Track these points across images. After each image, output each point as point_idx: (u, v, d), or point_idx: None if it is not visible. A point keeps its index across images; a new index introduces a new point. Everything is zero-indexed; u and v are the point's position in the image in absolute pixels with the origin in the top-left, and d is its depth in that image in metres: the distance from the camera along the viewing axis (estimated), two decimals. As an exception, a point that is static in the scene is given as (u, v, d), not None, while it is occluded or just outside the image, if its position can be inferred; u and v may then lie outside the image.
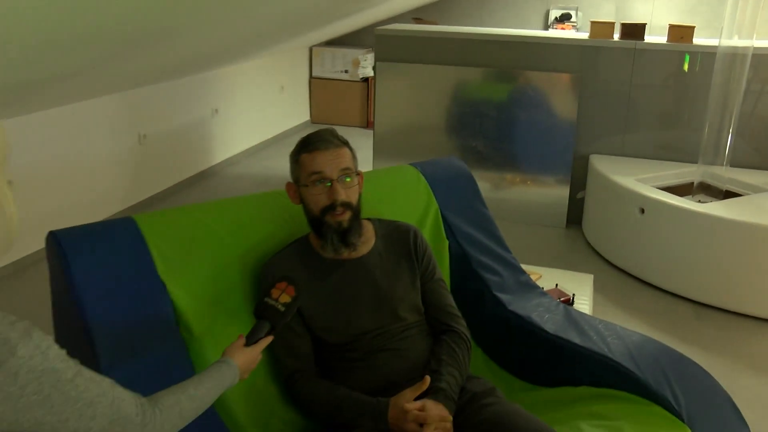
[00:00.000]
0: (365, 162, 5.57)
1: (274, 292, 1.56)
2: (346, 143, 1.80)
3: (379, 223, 1.94)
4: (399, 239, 1.90)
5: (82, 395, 1.00)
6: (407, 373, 1.74)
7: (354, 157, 1.81)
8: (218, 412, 1.68)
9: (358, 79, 6.78)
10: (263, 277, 1.82)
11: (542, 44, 4.20)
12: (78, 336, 1.68)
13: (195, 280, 1.81)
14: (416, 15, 6.59)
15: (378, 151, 4.62)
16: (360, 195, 1.82)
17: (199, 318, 1.77)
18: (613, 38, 4.18)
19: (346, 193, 1.74)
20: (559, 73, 4.16)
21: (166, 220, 1.86)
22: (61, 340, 1.88)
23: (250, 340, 1.50)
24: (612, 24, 4.21)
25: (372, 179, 2.28)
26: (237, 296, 1.85)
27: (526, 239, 4.17)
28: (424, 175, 2.31)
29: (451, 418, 1.57)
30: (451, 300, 1.91)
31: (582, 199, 4.26)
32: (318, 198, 1.75)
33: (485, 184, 4.45)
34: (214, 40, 3.99)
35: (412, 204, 2.24)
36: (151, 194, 4.63)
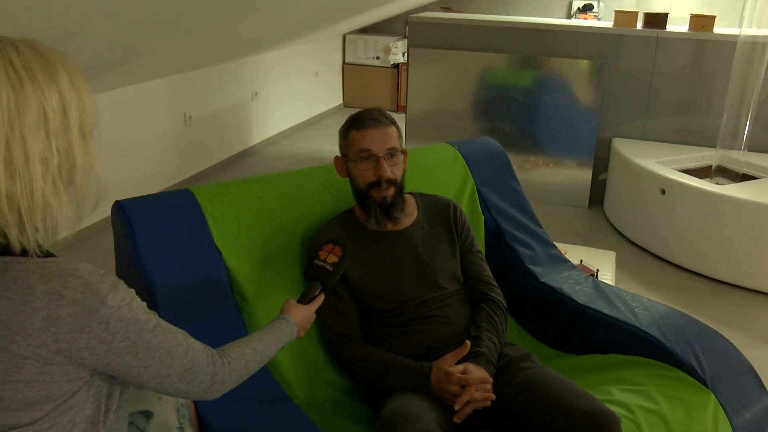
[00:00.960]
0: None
1: (322, 254, 1.58)
2: (393, 122, 1.80)
3: (421, 197, 1.95)
4: (439, 212, 1.90)
5: (161, 344, 1.03)
6: (447, 339, 1.75)
7: (400, 136, 1.81)
8: (272, 373, 1.71)
9: (389, 65, 6.75)
10: (310, 246, 1.84)
11: (567, 32, 4.14)
12: (141, 298, 1.70)
13: (247, 248, 1.82)
14: (445, 4, 6.52)
15: (410, 133, 4.60)
16: (404, 171, 1.82)
17: (252, 284, 1.79)
18: (636, 27, 4.11)
19: (392, 170, 1.75)
20: (582, 60, 4.11)
21: (221, 192, 1.88)
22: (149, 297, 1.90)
23: (304, 299, 1.51)
24: (635, 13, 4.14)
25: (412, 156, 2.27)
26: (286, 264, 1.87)
27: (550, 218, 4.14)
28: (461, 152, 2.30)
29: (491, 380, 1.57)
30: (488, 270, 1.91)
31: (604, 181, 4.22)
32: (365, 173, 1.75)
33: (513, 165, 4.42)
34: (254, 27, 4.00)
35: (450, 180, 2.24)
36: (196, 172, 4.67)
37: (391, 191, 1.76)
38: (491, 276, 1.90)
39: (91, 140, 1.00)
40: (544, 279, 2.09)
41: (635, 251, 3.70)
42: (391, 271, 1.79)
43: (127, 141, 3.96)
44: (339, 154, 1.85)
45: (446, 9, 6.32)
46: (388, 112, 1.83)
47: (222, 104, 4.90)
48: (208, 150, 4.82)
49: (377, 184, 1.74)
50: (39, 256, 0.95)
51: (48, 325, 0.90)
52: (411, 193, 1.95)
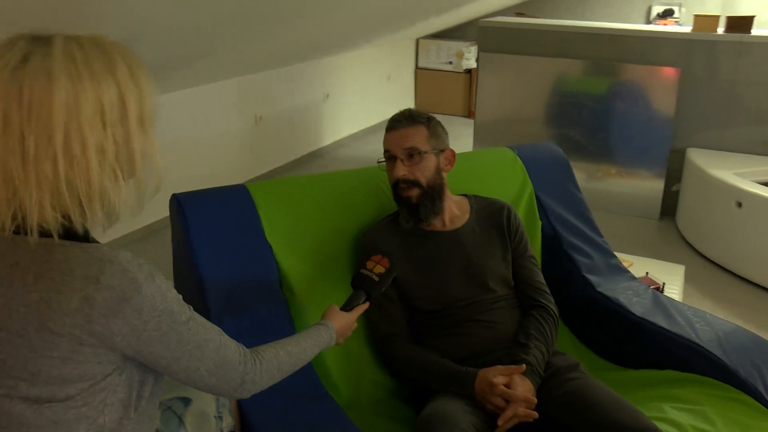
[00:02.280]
0: (466, 149, 5.50)
1: (369, 264, 1.56)
2: (422, 122, 1.77)
3: (475, 199, 1.91)
4: (493, 215, 1.86)
5: (193, 338, 1.04)
6: (493, 344, 1.70)
7: (433, 135, 1.77)
8: (316, 371, 1.71)
9: (462, 71, 6.69)
10: (361, 246, 1.83)
11: (644, 38, 3.98)
12: (193, 289, 1.74)
13: (298, 245, 1.83)
14: (519, 10, 6.41)
15: (478, 139, 4.54)
16: (438, 172, 1.77)
17: (301, 280, 1.79)
18: (717, 32, 3.91)
19: (410, 171, 1.72)
20: (659, 67, 3.93)
21: (275, 189, 1.89)
22: (178, 290, 1.95)
23: (347, 307, 1.50)
24: (716, 17, 3.93)
25: (471, 159, 2.24)
26: (335, 262, 1.86)
27: (618, 228, 3.99)
28: (520, 157, 2.25)
29: (535, 399, 1.52)
30: (540, 277, 1.85)
31: (677, 192, 4.03)
32: (389, 173, 1.78)
33: (581, 174, 4.29)
34: (327, 29, 4.04)
35: (508, 184, 2.18)
36: (265, 171, 4.76)
37: (414, 192, 1.73)
38: (544, 282, 1.84)
39: (151, 130, 1.03)
40: (600, 289, 2.00)
41: (707, 266, 3.51)
42: (440, 271, 1.76)
43: (199, 139, 4.08)
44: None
45: (520, 14, 6.21)
46: (423, 112, 1.80)
47: (293, 105, 4.98)
48: (278, 150, 4.90)
49: (397, 183, 1.75)
50: (92, 242, 0.98)
51: (84, 306, 0.92)
52: (466, 195, 1.92)
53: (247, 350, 1.15)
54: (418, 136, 1.74)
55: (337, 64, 5.49)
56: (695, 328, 1.80)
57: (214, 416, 1.38)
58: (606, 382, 1.82)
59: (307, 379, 1.62)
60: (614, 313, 1.94)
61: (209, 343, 1.07)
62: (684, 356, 1.75)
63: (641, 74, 3.98)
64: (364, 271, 1.55)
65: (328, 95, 5.41)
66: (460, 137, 5.87)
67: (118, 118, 0.96)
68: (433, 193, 1.76)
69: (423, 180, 1.73)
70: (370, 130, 6.17)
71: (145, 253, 3.44)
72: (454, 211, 1.84)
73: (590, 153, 4.25)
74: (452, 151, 1.83)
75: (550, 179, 2.24)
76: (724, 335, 1.77)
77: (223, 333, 1.12)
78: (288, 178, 1.96)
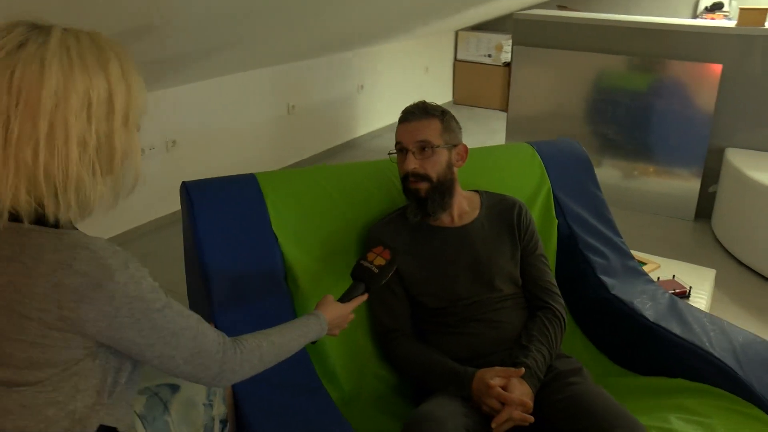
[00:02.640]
0: (490, 143, 5.41)
1: (370, 256, 1.54)
2: (436, 115, 1.72)
3: (487, 195, 1.86)
4: (503, 211, 1.81)
5: (168, 325, 1.03)
6: (496, 344, 1.67)
7: (446, 130, 1.73)
8: (313, 361, 1.70)
9: (501, 64, 6.58)
10: (367, 239, 1.81)
11: (685, 33, 3.83)
12: (198, 275, 1.75)
13: (305, 237, 1.82)
14: (561, 3, 6.26)
15: (511, 134, 4.46)
16: (449, 167, 1.73)
17: (306, 272, 1.78)
18: (764, 26, 3.73)
19: (421, 164, 1.69)
20: (702, 63, 3.78)
21: (284, 179, 1.88)
22: (189, 278, 1.97)
23: (345, 298, 1.48)
24: (764, 10, 3.75)
25: (488, 154, 2.19)
26: (343, 254, 1.84)
27: (651, 229, 3.87)
28: (539, 153, 2.19)
29: (530, 403, 1.47)
30: (550, 276, 1.79)
31: (713, 193, 3.89)
32: (399, 165, 1.74)
33: (616, 172, 4.18)
34: (363, 20, 4.01)
35: (525, 181, 2.13)
36: (297, 160, 4.78)
37: (424, 186, 1.69)
38: (553, 283, 1.78)
39: (135, 130, 1.04)
40: (614, 291, 1.94)
41: (742, 271, 3.37)
42: (446, 267, 1.73)
43: (230, 126, 4.11)
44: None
45: (562, 7, 6.07)
46: (438, 106, 1.76)
47: (326, 95, 4.98)
48: (310, 140, 4.91)
49: (407, 176, 1.71)
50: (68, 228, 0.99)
51: (54, 291, 0.93)
52: (477, 191, 1.88)
53: (227, 339, 1.14)
54: (431, 130, 1.70)
55: (373, 55, 5.46)
56: (709, 336, 1.72)
57: (204, 404, 1.38)
58: (615, 387, 1.77)
59: (302, 371, 1.61)
60: (627, 317, 1.87)
61: (186, 331, 1.06)
62: (696, 365, 1.68)
63: (683, 71, 3.83)
64: (364, 263, 1.53)
65: (362, 86, 5.39)
66: (497, 131, 5.78)
67: (104, 113, 0.97)
68: (443, 188, 1.72)
69: (433, 174, 1.69)
70: (406, 122, 6.11)
71: (174, 238, 3.50)
72: (464, 207, 1.80)
73: (626, 151, 4.13)
74: (465, 147, 1.79)
75: (569, 177, 2.18)
76: (740, 345, 1.69)
77: (203, 321, 1.11)
78: (298, 169, 1.95)
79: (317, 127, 4.97)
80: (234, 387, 1.53)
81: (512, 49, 4.28)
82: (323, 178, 1.92)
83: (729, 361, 1.63)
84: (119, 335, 0.99)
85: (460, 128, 1.80)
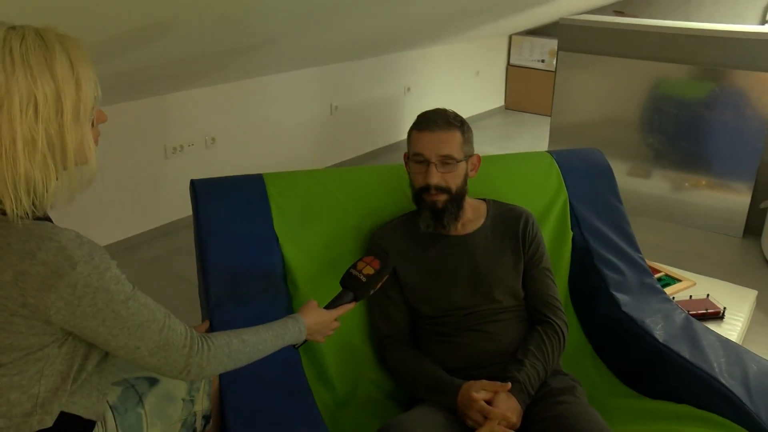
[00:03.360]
0: (533, 149, 5.29)
1: (360, 264, 1.53)
2: (457, 125, 1.66)
3: (494, 204, 1.82)
4: (509, 221, 1.76)
5: (132, 317, 1.05)
6: (493, 357, 1.62)
7: (466, 141, 1.68)
8: (306, 363, 1.69)
9: (553, 69, 6.43)
10: (369, 245, 1.79)
11: (748, 41, 3.63)
12: (200, 273, 1.77)
13: (308, 239, 1.82)
14: (618, 9, 6.07)
15: (553, 142, 4.35)
16: (465, 178, 1.69)
17: (306, 275, 1.78)
18: (829, 37, 3.51)
19: (443, 178, 1.63)
20: (764, 73, 3.58)
21: (291, 181, 1.88)
22: (198, 272, 1.98)
23: (330, 305, 1.48)
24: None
25: (505, 162, 2.14)
26: (347, 259, 1.81)
27: (694, 245, 3.70)
28: (558, 162, 2.12)
29: (513, 419, 1.42)
30: (553, 290, 1.73)
31: (765, 210, 3.68)
32: (417, 177, 1.67)
33: (664, 183, 4.01)
34: (410, 21, 3.98)
35: (542, 191, 2.07)
36: (338, 161, 4.79)
37: (442, 198, 1.65)
38: (556, 297, 1.72)
39: (87, 123, 1.05)
40: (626, 309, 1.85)
41: (789, 294, 3.17)
42: (445, 276, 1.69)
43: (272, 126, 4.16)
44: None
45: (619, 13, 5.88)
46: (456, 114, 1.71)
47: (371, 97, 4.97)
48: (352, 141, 4.92)
49: (426, 188, 1.65)
50: (34, 219, 1.01)
51: (17, 280, 0.96)
52: (484, 200, 1.83)
53: (196, 335, 1.15)
54: (454, 143, 1.64)
55: (421, 57, 5.42)
56: (720, 363, 1.62)
57: (183, 399, 1.38)
58: (619, 408, 1.70)
59: (290, 372, 1.61)
60: (637, 336, 1.79)
61: (152, 324, 1.08)
62: (703, 392, 1.59)
63: (743, 80, 3.64)
64: (353, 271, 1.52)
65: (409, 89, 5.36)
66: (542, 138, 5.65)
67: (52, 112, 0.98)
68: (459, 200, 1.68)
69: (453, 187, 1.65)
70: (454, 126, 6.05)
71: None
72: (468, 216, 1.76)
73: (676, 162, 3.96)
74: (478, 157, 1.75)
75: (589, 188, 2.10)
76: (754, 375, 1.59)
77: (171, 315, 1.13)
78: (306, 171, 1.95)
79: (360, 129, 4.97)
80: (221, 383, 1.54)
81: (557, 55, 4.17)
82: (331, 181, 1.92)
83: (737, 390, 1.53)
84: (82, 324, 1.01)
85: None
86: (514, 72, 6.66)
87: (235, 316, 1.67)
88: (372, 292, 1.51)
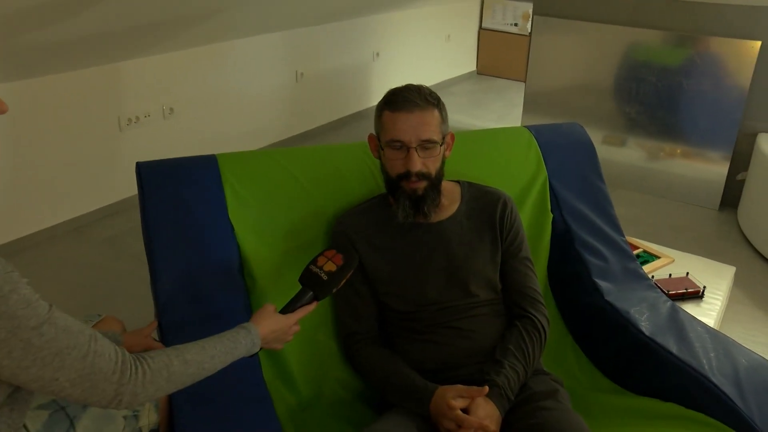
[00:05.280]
0: (514, 119, 5.16)
1: (320, 260, 1.37)
2: (435, 103, 1.50)
3: (469, 187, 1.66)
4: (485, 207, 1.61)
5: (47, 345, 0.89)
6: (469, 356, 1.49)
7: (443, 120, 1.52)
8: (266, 364, 1.55)
9: (527, 34, 6.26)
10: (332, 233, 1.63)
11: (725, 6, 3.50)
12: (149, 265, 1.60)
13: (267, 227, 1.66)
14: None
15: (528, 109, 4.21)
16: (443, 161, 1.54)
17: (265, 266, 1.62)
18: (810, 3, 3.40)
19: (424, 163, 1.47)
20: (740, 40, 3.47)
21: (247, 162, 1.71)
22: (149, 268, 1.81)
23: (289, 307, 1.33)
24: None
25: (480, 139, 1.99)
26: (310, 248, 1.67)
27: (670, 217, 3.63)
28: (537, 139, 1.97)
29: (492, 428, 1.29)
30: (533, 282, 1.60)
31: (742, 181, 3.61)
32: (394, 163, 1.49)
33: (640, 152, 3.91)
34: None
35: (519, 170, 1.93)
36: (305, 130, 4.60)
37: (423, 184, 1.49)
38: (536, 289, 1.59)
39: None
40: (609, 297, 1.74)
41: (766, 268, 3.12)
42: (416, 268, 1.54)
43: (234, 94, 3.94)
44: (374, 132, 1.61)
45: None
46: (431, 90, 1.54)
47: (339, 63, 4.76)
48: (319, 109, 4.72)
49: (406, 176, 1.48)
50: None
51: None
52: (458, 181, 1.67)
53: (129, 358, 0.99)
54: (433, 124, 1.47)
55: (390, 21, 5.20)
56: (710, 357, 1.52)
57: (125, 416, 1.23)
58: (601, 405, 1.60)
59: (249, 378, 1.46)
60: (620, 328, 1.68)
61: (72, 350, 0.92)
62: (691, 389, 1.49)
63: (719, 47, 3.53)
64: (313, 268, 1.37)
65: (378, 54, 5.15)
66: (516, 105, 5.51)
67: None
68: (438, 183, 1.53)
69: (434, 171, 1.49)
70: (425, 92, 5.87)
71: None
72: (442, 201, 1.60)
73: (649, 131, 3.86)
74: (452, 134, 1.59)
75: (570, 167, 1.97)
76: (745, 371, 1.49)
77: (98, 339, 0.96)
78: (265, 151, 1.78)
79: (327, 96, 4.76)
80: (170, 395, 1.39)
81: (532, 19, 4.01)
82: (293, 162, 1.75)
83: (728, 389, 1.43)
84: None
85: None
86: (486, 36, 6.47)
87: (186, 316, 1.52)
88: (335, 290, 1.36)
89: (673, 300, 2.31)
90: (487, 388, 1.35)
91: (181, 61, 3.53)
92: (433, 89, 1.58)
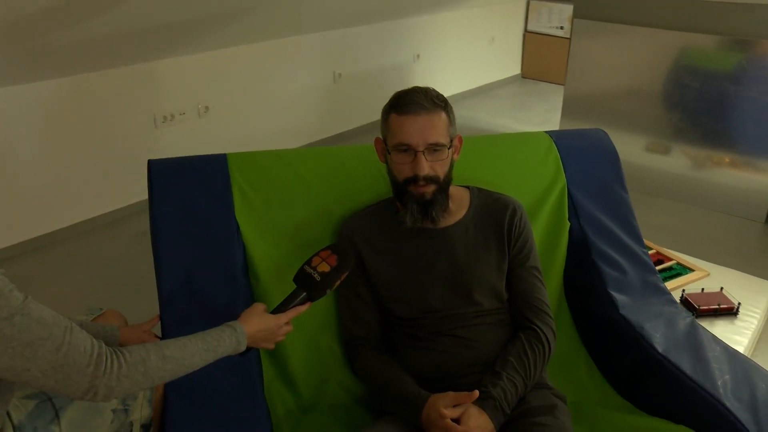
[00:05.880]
0: (555, 124, 5.04)
1: (315, 260, 1.36)
2: (442, 106, 1.46)
3: (478, 193, 1.62)
4: (494, 213, 1.56)
5: (18, 335, 0.90)
6: (470, 366, 1.45)
7: (450, 123, 1.47)
8: (267, 364, 1.54)
9: (574, 37, 6.12)
10: (339, 234, 1.61)
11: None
12: (155, 262, 1.61)
13: (273, 227, 1.65)
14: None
15: (566, 114, 4.11)
16: (452, 164, 1.50)
17: (269, 266, 1.61)
18: None
19: (432, 167, 1.43)
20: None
21: (256, 161, 1.71)
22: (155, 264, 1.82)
23: (281, 307, 1.31)
24: None
25: (498, 143, 1.94)
26: (314, 250, 1.62)
27: (712, 229, 3.48)
28: (557, 145, 1.91)
29: None
30: (541, 293, 1.54)
31: (790, 194, 3.43)
32: (402, 167, 1.46)
33: (685, 160, 3.77)
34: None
35: (537, 176, 1.87)
36: (342, 131, 4.59)
37: (431, 188, 1.45)
38: (544, 300, 1.53)
39: None
40: (624, 311, 1.67)
41: (812, 286, 2.95)
42: (419, 273, 1.51)
43: (272, 93, 3.97)
44: (380, 136, 1.58)
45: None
46: (438, 93, 1.50)
47: (377, 64, 4.74)
48: (357, 110, 4.71)
49: (414, 180, 1.44)
50: None
51: None
52: (467, 187, 1.63)
53: (105, 351, 0.99)
54: (441, 127, 1.44)
55: (432, 23, 5.16)
56: (725, 380, 1.44)
57: (114, 410, 1.24)
58: (610, 423, 1.54)
59: (243, 378, 1.45)
60: (634, 343, 1.61)
61: (46, 342, 0.92)
62: (704, 413, 1.40)
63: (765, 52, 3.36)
64: (307, 268, 1.35)
65: (418, 56, 5.12)
66: (558, 109, 5.39)
67: None
68: (446, 187, 1.49)
69: (442, 175, 1.46)
70: (467, 94, 5.81)
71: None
72: (450, 206, 1.56)
73: (697, 138, 3.71)
74: (460, 137, 1.56)
75: (591, 174, 1.89)
76: (764, 396, 1.40)
77: (74, 330, 0.97)
78: (274, 151, 1.77)
79: (365, 97, 4.75)
80: (165, 390, 1.39)
81: (572, 22, 3.91)
82: (300, 162, 1.74)
83: (742, 414, 1.34)
84: None
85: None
86: (531, 39, 6.36)
87: (187, 313, 1.52)
88: (328, 291, 1.34)
89: (704, 316, 2.21)
90: (477, 392, 1.31)
91: (217, 60, 3.58)
92: (477, 92, 1.55)
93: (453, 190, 1.58)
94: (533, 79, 6.47)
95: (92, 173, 3.17)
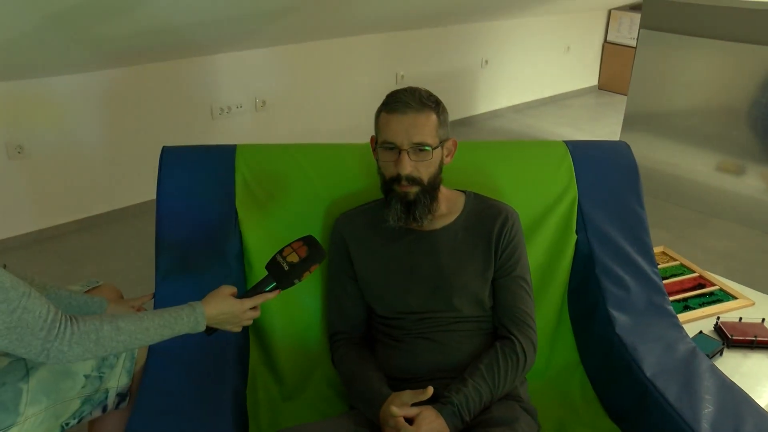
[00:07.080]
0: (614, 136, 4.85)
1: (287, 250, 1.38)
2: (432, 106, 1.44)
3: (474, 198, 1.59)
4: (485, 220, 1.53)
5: None
6: (442, 371, 1.43)
7: (442, 125, 1.46)
8: (255, 352, 1.59)
9: (656, 49, 5.86)
10: (332, 230, 1.63)
11: None
12: (155, 243, 1.68)
13: (271, 217, 1.69)
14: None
15: (627, 126, 3.95)
16: (440, 166, 1.48)
17: (264, 256, 1.63)
18: None
19: (416, 167, 1.42)
20: None
21: (261, 153, 1.76)
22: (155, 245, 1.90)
23: (250, 292, 1.34)
24: None
25: (511, 150, 1.90)
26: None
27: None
28: (572, 155, 1.85)
29: None
30: (525, 303, 1.49)
31: None
32: (387, 165, 1.45)
33: (759, 183, 3.53)
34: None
35: (547, 185, 1.81)
36: (400, 132, 4.60)
37: (414, 189, 1.43)
38: (527, 311, 1.48)
39: None
40: (619, 330, 1.60)
41: None
42: (402, 274, 1.50)
43: (331, 91, 4.03)
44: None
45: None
46: (431, 94, 1.49)
47: (443, 67, 4.72)
48: (418, 112, 4.70)
49: (397, 179, 1.43)
50: None
51: None
52: (464, 191, 1.61)
53: (60, 317, 1.06)
54: (428, 127, 1.42)
55: (502, 29, 5.08)
56: (709, 412, 1.34)
57: (87, 375, 1.31)
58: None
59: (221, 359, 1.49)
60: (625, 365, 1.54)
61: (1, 305, 1.00)
62: (681, 444, 1.32)
63: None
64: (278, 257, 1.37)
65: (487, 61, 5.05)
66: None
67: None
68: (433, 190, 1.47)
69: (426, 177, 1.44)
70: (538, 103, 5.69)
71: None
72: (441, 209, 1.54)
73: (756, 159, 3.47)
74: (454, 141, 1.54)
75: (605, 187, 1.82)
76: (750, 433, 1.30)
77: (32, 296, 1.04)
78: (280, 145, 1.81)
79: (428, 101, 4.74)
80: (149, 363, 1.45)
81: (638, 32, 3.75)
82: (304, 156, 1.77)
83: (717, 450, 1.25)
84: None
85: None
86: (610, 50, 6.14)
87: (179, 291, 1.58)
88: (296, 281, 1.36)
89: (737, 347, 2.06)
90: (431, 389, 1.29)
91: (277, 56, 3.67)
92: (548, 101, 1.53)
93: (448, 193, 1.56)
94: (610, 91, 6.25)
95: (148, 160, 3.33)
